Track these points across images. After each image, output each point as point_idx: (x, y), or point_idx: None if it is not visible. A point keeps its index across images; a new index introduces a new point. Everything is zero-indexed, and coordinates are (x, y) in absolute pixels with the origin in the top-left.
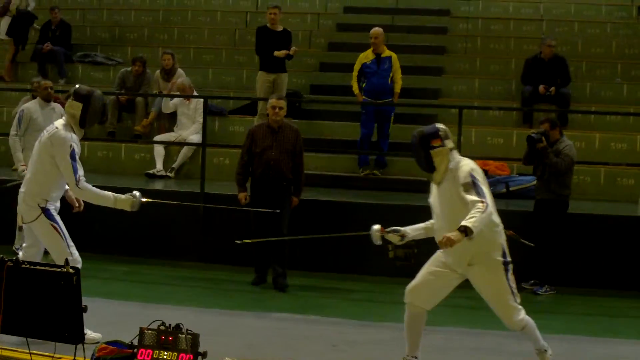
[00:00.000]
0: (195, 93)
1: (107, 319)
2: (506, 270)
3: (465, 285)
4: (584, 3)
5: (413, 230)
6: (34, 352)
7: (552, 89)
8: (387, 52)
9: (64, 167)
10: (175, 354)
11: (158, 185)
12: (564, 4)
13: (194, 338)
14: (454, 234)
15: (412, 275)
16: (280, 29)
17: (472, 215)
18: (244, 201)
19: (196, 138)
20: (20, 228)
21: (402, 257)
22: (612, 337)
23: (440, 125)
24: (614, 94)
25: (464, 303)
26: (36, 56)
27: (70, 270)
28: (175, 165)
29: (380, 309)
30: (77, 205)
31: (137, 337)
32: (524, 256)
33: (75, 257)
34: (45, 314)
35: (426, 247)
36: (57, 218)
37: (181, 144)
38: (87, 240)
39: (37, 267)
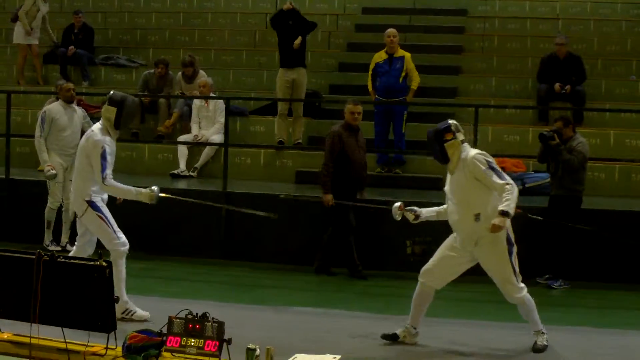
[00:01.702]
0: (212, 94)
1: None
2: (510, 252)
3: (472, 280)
4: (599, 1)
5: (427, 212)
6: (69, 341)
7: (568, 87)
8: (399, 52)
9: (95, 165)
10: (202, 340)
11: (181, 185)
12: (580, 2)
13: (220, 326)
14: (499, 220)
15: None
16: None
17: (505, 199)
18: (330, 203)
19: (218, 138)
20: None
21: (419, 253)
22: (625, 329)
23: (451, 121)
24: (629, 91)
25: (469, 297)
26: (59, 59)
27: (103, 264)
28: (198, 165)
29: (400, 303)
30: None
31: (166, 326)
32: (538, 251)
33: (122, 241)
34: (79, 305)
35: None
36: (103, 208)
37: (203, 144)
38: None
39: (72, 261)
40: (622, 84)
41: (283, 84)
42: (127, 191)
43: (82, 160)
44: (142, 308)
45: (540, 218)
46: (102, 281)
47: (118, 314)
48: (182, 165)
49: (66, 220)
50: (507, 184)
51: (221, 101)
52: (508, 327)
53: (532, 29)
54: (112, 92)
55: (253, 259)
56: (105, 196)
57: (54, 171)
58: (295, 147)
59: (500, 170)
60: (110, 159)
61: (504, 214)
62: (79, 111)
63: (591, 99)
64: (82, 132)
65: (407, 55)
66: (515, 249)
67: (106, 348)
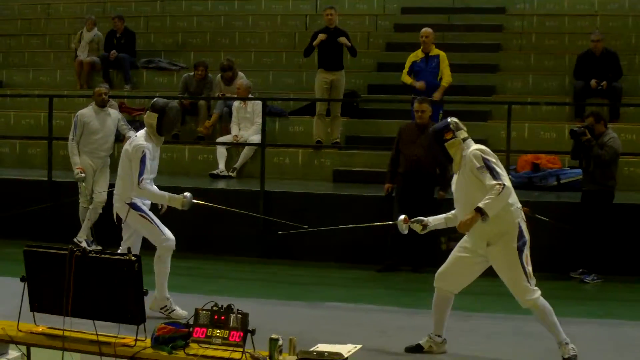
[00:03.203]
0: (251, 95)
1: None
2: (520, 252)
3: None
4: None
5: (434, 220)
6: (100, 333)
7: (604, 83)
8: (435, 51)
9: (134, 169)
10: (227, 331)
11: (221, 185)
12: None
13: (244, 317)
14: (468, 216)
15: None
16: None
17: (487, 198)
18: (386, 192)
19: (256, 138)
20: (119, 223)
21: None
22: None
23: (451, 119)
24: None
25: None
26: (102, 63)
27: (132, 258)
28: (237, 165)
29: (431, 298)
30: (159, 207)
31: (193, 317)
32: (572, 246)
33: (168, 236)
34: (109, 298)
35: None
36: (144, 208)
37: (242, 144)
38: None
39: (102, 256)
40: None
41: (321, 84)
42: (160, 196)
43: (124, 165)
44: (180, 305)
45: (546, 219)
46: (131, 275)
47: (157, 308)
48: (222, 165)
49: (90, 217)
50: (498, 184)
51: (260, 102)
52: (523, 320)
53: (570, 26)
54: (155, 99)
55: (292, 256)
56: (148, 202)
57: (82, 174)
58: (333, 146)
59: (497, 168)
60: (149, 164)
61: (477, 210)
62: (114, 115)
63: (629, 95)
64: (118, 135)
65: (442, 54)
66: (527, 249)
67: (136, 339)
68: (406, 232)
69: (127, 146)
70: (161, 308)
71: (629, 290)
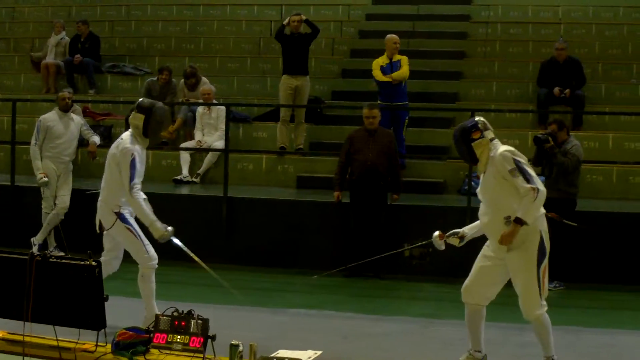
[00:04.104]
0: (214, 101)
1: (133, 315)
2: (539, 262)
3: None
4: (601, 5)
5: (470, 229)
6: (61, 338)
7: (567, 91)
8: (397, 57)
9: (124, 174)
10: (187, 337)
11: (184, 190)
12: (582, 7)
13: (204, 323)
14: (509, 229)
15: (428, 273)
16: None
17: (524, 205)
18: (336, 200)
19: (220, 144)
20: (101, 231)
21: (418, 256)
22: (616, 328)
23: (478, 118)
24: (629, 95)
25: (448, 297)
26: (66, 68)
27: (93, 263)
28: (200, 171)
29: (394, 304)
30: None
31: (153, 323)
32: None
33: (151, 255)
34: (70, 304)
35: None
36: (132, 221)
37: (206, 150)
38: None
39: (63, 261)
40: (622, 88)
41: (286, 90)
42: (145, 215)
43: (112, 170)
44: (139, 312)
45: (575, 224)
46: (92, 280)
47: (144, 326)
48: (185, 171)
49: (50, 222)
50: (532, 188)
51: (223, 108)
52: (510, 328)
53: (534, 34)
54: (141, 99)
55: (254, 263)
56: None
57: (45, 179)
58: (297, 152)
59: (529, 170)
60: (140, 167)
61: (517, 221)
62: (77, 119)
63: (592, 103)
64: (81, 140)
65: (405, 57)
66: (546, 260)
67: (96, 345)
68: (443, 247)
69: (113, 150)
70: (149, 326)
71: (591, 297)
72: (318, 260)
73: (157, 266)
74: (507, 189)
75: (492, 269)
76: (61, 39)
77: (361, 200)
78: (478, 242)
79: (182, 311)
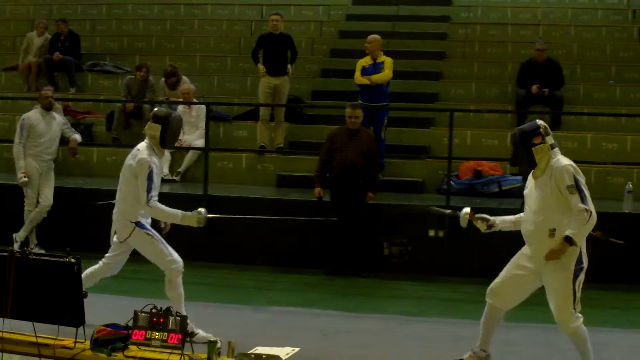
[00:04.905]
0: (195, 100)
1: (113, 312)
2: (575, 276)
3: (447, 280)
4: (580, 7)
5: (502, 222)
6: (40, 335)
7: (546, 90)
8: (381, 58)
9: (140, 186)
10: (166, 333)
11: (165, 189)
12: (561, 8)
13: (183, 320)
14: (558, 247)
15: (406, 271)
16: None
17: (575, 226)
18: (316, 195)
19: (200, 143)
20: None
21: (397, 254)
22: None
23: (540, 122)
24: (607, 96)
25: (445, 296)
26: (46, 66)
27: (72, 260)
28: (180, 169)
29: (374, 302)
30: (163, 226)
31: (132, 320)
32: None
33: (175, 258)
34: (49, 300)
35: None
36: (149, 226)
37: (186, 148)
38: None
39: (42, 258)
40: (600, 89)
41: (265, 89)
42: (173, 215)
43: (128, 181)
44: (119, 309)
45: (621, 242)
46: (71, 277)
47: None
48: (165, 169)
49: (32, 219)
50: (586, 210)
51: (203, 107)
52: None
53: (513, 35)
54: (156, 109)
55: (234, 261)
56: (150, 219)
57: (25, 179)
58: (277, 151)
59: (586, 191)
60: (157, 179)
61: (567, 239)
62: (58, 118)
63: (570, 103)
64: (62, 139)
65: (388, 59)
66: (582, 275)
67: (75, 341)
68: (465, 225)
69: (130, 161)
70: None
71: None
72: (298, 259)
73: (183, 269)
74: (560, 201)
75: (525, 279)
76: (45, 39)
77: (340, 198)
78: (459, 241)
79: (161, 308)
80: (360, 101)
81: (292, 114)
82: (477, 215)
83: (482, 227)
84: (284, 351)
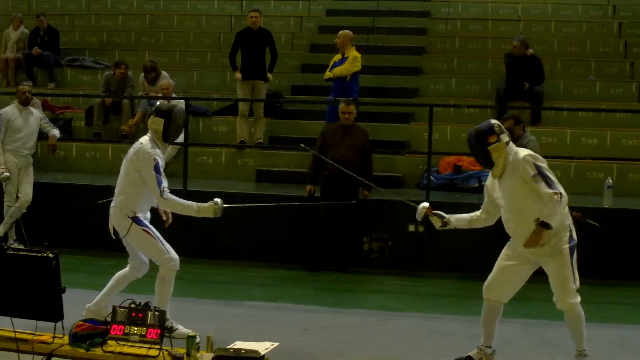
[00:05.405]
0: (174, 95)
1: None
2: (571, 254)
3: (427, 275)
4: (560, 3)
5: (457, 220)
6: (18, 330)
7: (526, 84)
8: (350, 52)
9: (149, 180)
10: (144, 328)
11: None
12: (541, 4)
13: (161, 314)
14: (535, 233)
15: (387, 266)
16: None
17: (548, 210)
18: (307, 193)
19: (180, 138)
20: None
21: (377, 250)
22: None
23: (494, 121)
24: (587, 91)
25: (425, 291)
26: (25, 61)
27: (50, 255)
28: None
29: (354, 297)
30: (165, 218)
31: (111, 315)
32: (491, 248)
33: (172, 256)
34: (27, 295)
35: (399, 241)
36: (148, 223)
37: None
38: (73, 237)
39: (20, 253)
40: (580, 84)
41: (243, 86)
42: (188, 206)
43: (130, 175)
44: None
45: (597, 224)
46: (49, 272)
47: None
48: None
49: (12, 214)
50: (555, 193)
51: (183, 102)
52: (460, 320)
53: (494, 30)
54: (159, 103)
55: (213, 256)
56: (149, 215)
57: (7, 173)
58: (256, 146)
59: (550, 175)
60: (162, 172)
61: (542, 224)
62: (36, 113)
63: (550, 99)
64: (41, 134)
65: (354, 54)
66: (575, 250)
67: (53, 337)
68: (420, 219)
69: (132, 155)
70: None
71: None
72: (277, 254)
73: (178, 268)
74: (529, 192)
75: (515, 268)
76: (21, 34)
77: (332, 196)
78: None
79: (140, 303)
80: (330, 96)
81: (272, 109)
82: (433, 212)
83: (436, 223)
84: (263, 346)
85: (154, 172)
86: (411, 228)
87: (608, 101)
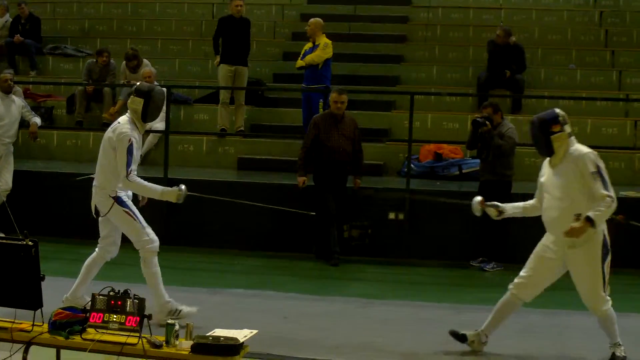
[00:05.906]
0: (156, 83)
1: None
2: (603, 259)
3: (407, 263)
4: None
5: (512, 208)
6: None
7: (507, 72)
8: (320, 40)
9: (120, 159)
10: (124, 316)
11: None
12: None
13: (141, 302)
14: (579, 225)
15: (366, 254)
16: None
17: (599, 209)
18: (301, 185)
19: (161, 126)
20: (97, 216)
21: (357, 237)
22: (556, 309)
23: (558, 111)
24: (568, 80)
25: (406, 279)
26: (6, 49)
27: (30, 243)
28: (141, 152)
29: (335, 285)
30: (140, 197)
31: (90, 302)
32: (472, 235)
33: (152, 237)
34: (6, 283)
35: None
36: (130, 204)
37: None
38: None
39: None
40: (561, 72)
41: (226, 74)
42: (152, 190)
43: (107, 154)
44: (87, 293)
45: None
46: (28, 260)
47: (164, 316)
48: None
49: None
50: (609, 196)
51: (164, 90)
52: (445, 308)
53: (475, 19)
54: (139, 83)
55: (194, 244)
56: (130, 193)
57: None
58: (237, 134)
59: (607, 179)
60: (136, 153)
61: (588, 220)
62: (18, 101)
63: (531, 87)
64: (22, 122)
65: (324, 40)
66: (609, 256)
67: (33, 325)
68: (479, 214)
69: (110, 134)
70: (169, 314)
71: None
72: (258, 242)
73: (158, 249)
74: (584, 187)
75: (552, 264)
76: (5, 21)
77: (328, 185)
78: (418, 224)
79: (119, 291)
80: (303, 84)
81: (253, 97)
82: (487, 203)
83: (493, 213)
84: (242, 333)
85: (125, 153)
86: (391, 216)
87: (588, 89)
